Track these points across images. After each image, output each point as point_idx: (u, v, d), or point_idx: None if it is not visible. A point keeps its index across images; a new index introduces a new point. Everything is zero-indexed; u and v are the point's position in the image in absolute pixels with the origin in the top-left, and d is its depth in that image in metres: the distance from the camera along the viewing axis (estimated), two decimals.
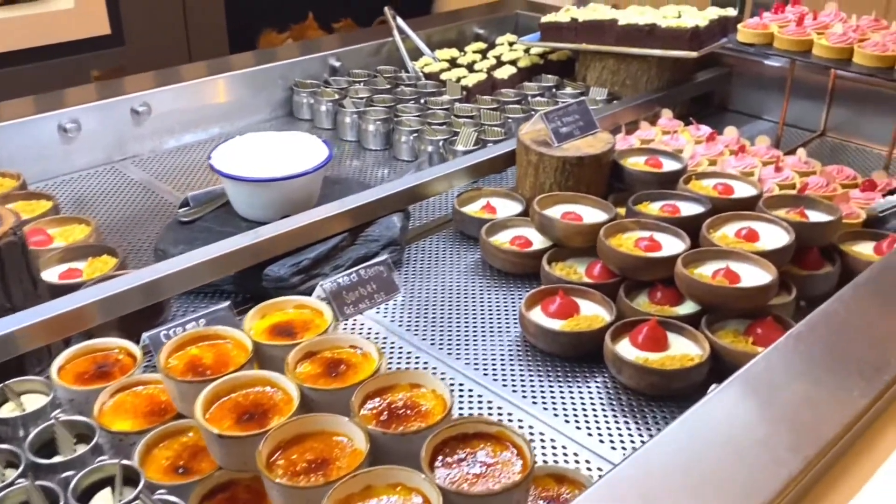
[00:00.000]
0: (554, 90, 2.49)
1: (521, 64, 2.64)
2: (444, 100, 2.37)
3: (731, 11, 2.41)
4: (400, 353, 1.41)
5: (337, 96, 2.39)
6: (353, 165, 2.19)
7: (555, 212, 1.67)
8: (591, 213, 1.67)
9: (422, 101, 2.37)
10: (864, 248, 1.65)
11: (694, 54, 2.22)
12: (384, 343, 1.44)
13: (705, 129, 2.21)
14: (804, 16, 2.06)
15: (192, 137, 2.29)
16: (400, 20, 2.69)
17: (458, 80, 2.48)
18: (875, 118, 2.28)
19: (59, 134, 2.05)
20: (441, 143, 2.10)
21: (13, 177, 1.80)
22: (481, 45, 2.80)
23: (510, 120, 2.25)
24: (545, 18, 2.52)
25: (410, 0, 4.99)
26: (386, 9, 2.71)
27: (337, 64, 2.55)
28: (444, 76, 2.51)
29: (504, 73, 2.54)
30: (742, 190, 1.72)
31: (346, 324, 1.47)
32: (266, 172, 1.59)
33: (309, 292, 1.51)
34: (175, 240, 1.61)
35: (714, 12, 2.40)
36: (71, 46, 3.85)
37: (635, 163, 1.86)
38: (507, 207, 1.82)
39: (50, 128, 2.04)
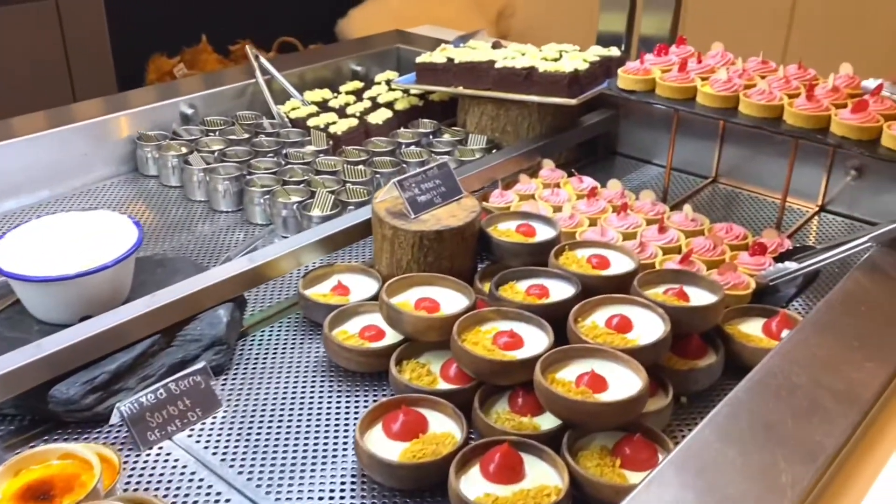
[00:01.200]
0: (431, 137, 2.29)
1: (399, 106, 2.43)
2: (307, 151, 2.14)
3: (615, 51, 2.25)
4: (207, 496, 1.17)
5: (185, 150, 2.13)
6: (202, 231, 1.94)
7: (408, 298, 1.45)
8: (450, 299, 1.46)
9: (284, 152, 2.14)
10: (753, 328, 1.49)
11: (572, 102, 2.05)
12: (189, 480, 1.19)
13: (588, 182, 2.03)
14: (686, 60, 1.91)
15: (15, 203, 2.01)
16: (263, 59, 2.45)
17: (326, 126, 2.26)
18: (769, 161, 2.14)
19: None
20: (296, 207, 1.87)
21: None
22: (357, 85, 2.58)
23: (379, 176, 2.04)
24: (420, 59, 2.32)
25: (313, 24, 4.77)
26: (248, 47, 2.46)
27: (189, 111, 2.29)
28: (311, 122, 2.29)
29: (379, 117, 2.33)
30: (618, 263, 1.55)
31: (147, 455, 1.23)
32: (58, 267, 1.33)
33: (108, 415, 1.27)
34: None
35: (596, 53, 2.24)
36: None
37: (506, 230, 1.66)
38: (363, 287, 1.60)
39: None
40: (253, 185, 1.96)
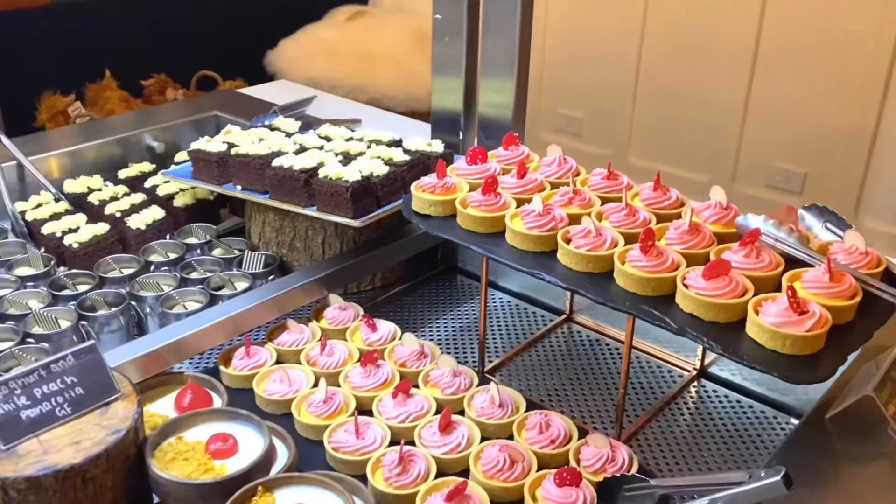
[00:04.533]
0: (198, 252, 1.73)
1: (180, 202, 1.87)
2: (10, 279, 1.58)
3: (437, 146, 1.69)
4: None
5: None
6: None
7: None
8: None
9: None
10: None
11: (354, 223, 1.49)
12: None
13: (384, 330, 1.48)
14: (494, 178, 1.34)
15: None
16: (5, 139, 1.89)
17: (63, 235, 1.70)
18: None
19: None
20: None
21: None
22: (144, 168, 2.02)
23: (84, 325, 1.47)
24: (194, 145, 1.77)
25: (237, 57, 4.19)
26: None
27: None
28: (45, 230, 1.73)
29: (143, 220, 1.77)
30: None
31: None
32: None
33: None
34: None
35: (415, 146, 1.68)
36: None
37: (188, 447, 1.10)
38: None
39: None
40: None
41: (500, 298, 1.76)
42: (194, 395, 1.27)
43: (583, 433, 1.26)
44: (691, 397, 1.47)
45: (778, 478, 0.87)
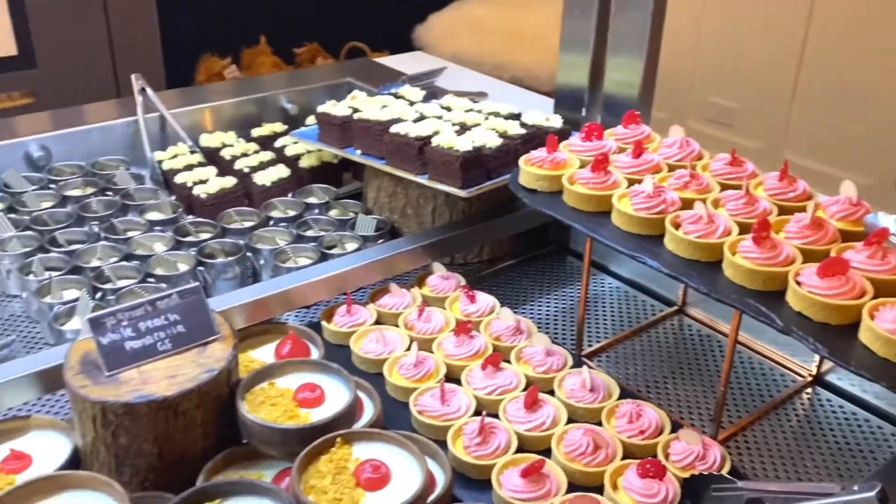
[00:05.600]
0: (317, 212, 1.78)
1: (305, 163, 1.93)
2: (141, 222, 1.68)
3: (555, 121, 1.65)
4: None
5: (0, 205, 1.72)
6: None
7: None
8: None
9: (120, 218, 1.68)
10: None
11: (461, 193, 1.48)
12: None
13: (483, 303, 1.48)
14: (606, 155, 1.30)
15: None
16: (150, 92, 2.01)
17: (193, 185, 1.79)
18: None
19: None
20: (55, 311, 1.40)
21: None
22: (276, 128, 2.10)
23: (202, 270, 1.55)
24: (322, 108, 1.81)
25: (387, 29, 4.30)
26: (133, 77, 2.03)
27: (37, 154, 1.88)
28: (178, 179, 1.82)
29: (268, 177, 1.84)
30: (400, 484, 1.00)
31: None
32: None
33: None
34: None
35: (532, 121, 1.66)
36: None
37: (278, 393, 1.14)
38: (54, 455, 1.12)
39: None
40: (29, 271, 1.51)
41: (610, 284, 1.71)
42: (294, 345, 1.31)
43: (676, 428, 1.21)
44: (801, 404, 1.38)
45: (871, 493, 0.80)
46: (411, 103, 1.81)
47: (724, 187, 1.29)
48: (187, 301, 1.13)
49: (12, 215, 1.66)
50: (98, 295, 1.43)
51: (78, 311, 1.38)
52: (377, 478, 1.01)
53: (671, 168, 1.34)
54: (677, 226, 1.18)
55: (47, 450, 1.11)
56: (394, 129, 1.61)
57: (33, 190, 1.76)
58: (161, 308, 1.12)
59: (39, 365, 1.20)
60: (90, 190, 1.80)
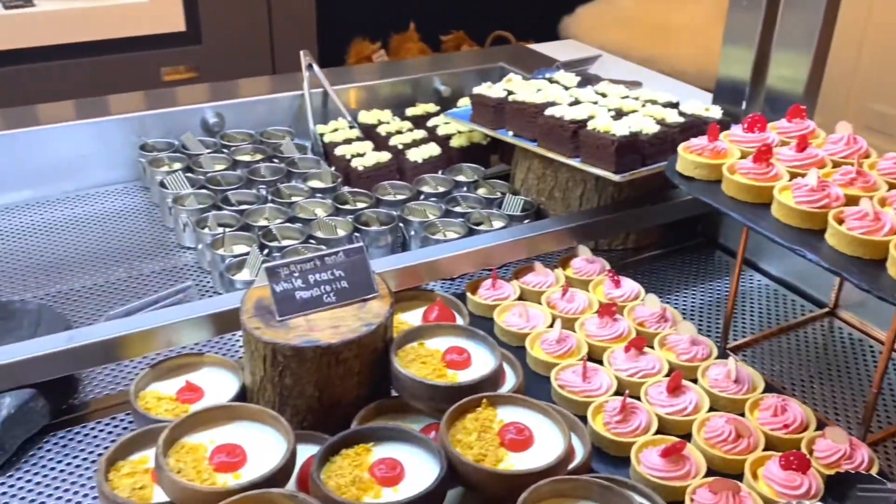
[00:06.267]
0: (465, 190, 1.83)
1: (456, 143, 1.99)
2: (304, 189, 1.78)
3: (715, 111, 1.63)
4: None
5: (178, 166, 1.86)
6: (138, 270, 1.64)
7: (202, 439, 1.05)
8: (258, 444, 1.04)
9: (276, 187, 1.78)
10: None
11: (614, 177, 1.50)
12: None
13: (628, 288, 1.49)
14: (769, 146, 1.28)
15: None
16: (317, 69, 2.12)
17: (351, 158, 1.89)
18: None
19: None
20: (226, 263, 1.52)
21: None
22: (429, 109, 2.17)
23: (357, 236, 1.63)
24: (477, 89, 1.87)
25: (533, 20, 4.35)
26: (302, 54, 2.14)
27: (212, 120, 2.02)
28: (337, 151, 1.92)
29: (421, 154, 1.91)
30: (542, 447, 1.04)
31: None
32: None
33: None
34: None
35: (692, 110, 1.65)
36: (141, 42, 3.60)
37: (427, 353, 1.20)
38: (224, 389, 1.22)
39: None
40: (205, 225, 1.64)
41: (759, 281, 1.68)
42: (440, 312, 1.37)
43: (822, 426, 1.18)
44: None
45: None
46: (566, 88, 1.84)
47: (891, 186, 1.25)
48: (351, 259, 1.21)
49: (189, 174, 1.80)
50: (265, 252, 1.53)
51: (248, 264, 1.49)
52: (521, 440, 1.05)
53: (836, 164, 1.31)
54: (840, 221, 1.16)
55: (218, 385, 1.22)
56: (548, 111, 1.65)
57: (208, 153, 1.90)
58: (328, 263, 1.20)
59: (213, 308, 1.31)
60: (258, 156, 1.93)
